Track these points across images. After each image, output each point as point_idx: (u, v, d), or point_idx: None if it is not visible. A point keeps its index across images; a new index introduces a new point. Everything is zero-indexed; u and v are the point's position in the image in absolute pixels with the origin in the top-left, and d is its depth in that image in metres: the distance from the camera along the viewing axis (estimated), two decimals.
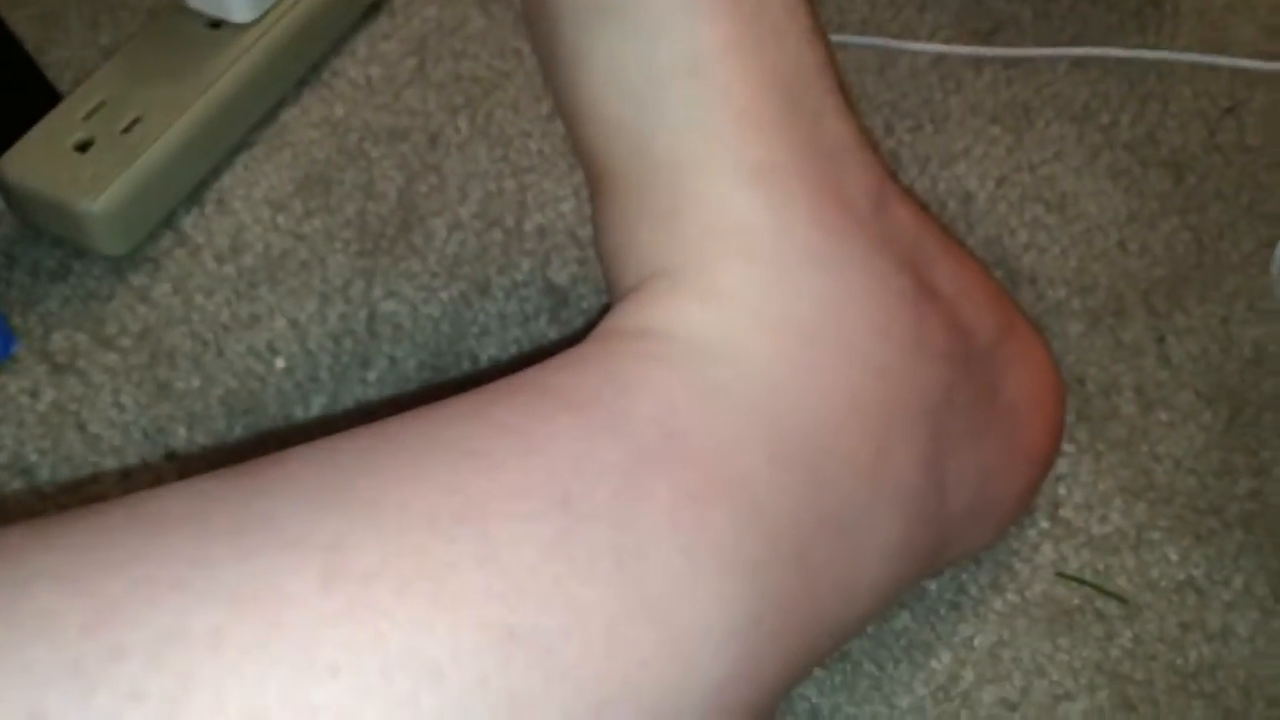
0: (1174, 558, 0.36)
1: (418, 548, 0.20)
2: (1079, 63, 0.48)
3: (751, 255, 0.26)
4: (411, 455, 0.22)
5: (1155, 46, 0.49)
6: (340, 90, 0.46)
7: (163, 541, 0.20)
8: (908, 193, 0.37)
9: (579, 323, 0.40)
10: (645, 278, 0.27)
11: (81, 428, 0.37)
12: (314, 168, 0.43)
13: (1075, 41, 0.49)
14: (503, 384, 0.25)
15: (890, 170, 0.31)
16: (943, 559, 0.32)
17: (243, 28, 0.43)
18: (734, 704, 0.23)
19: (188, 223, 0.42)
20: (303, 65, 0.46)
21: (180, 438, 0.37)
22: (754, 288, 0.26)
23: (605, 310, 0.28)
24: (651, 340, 0.26)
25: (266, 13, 0.44)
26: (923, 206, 0.43)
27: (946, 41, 0.48)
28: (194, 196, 0.42)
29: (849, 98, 0.30)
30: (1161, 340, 0.41)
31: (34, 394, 0.37)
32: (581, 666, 0.21)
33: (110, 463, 0.36)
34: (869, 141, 0.30)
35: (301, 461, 0.22)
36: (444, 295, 0.40)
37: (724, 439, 0.24)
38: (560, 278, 0.41)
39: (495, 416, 0.23)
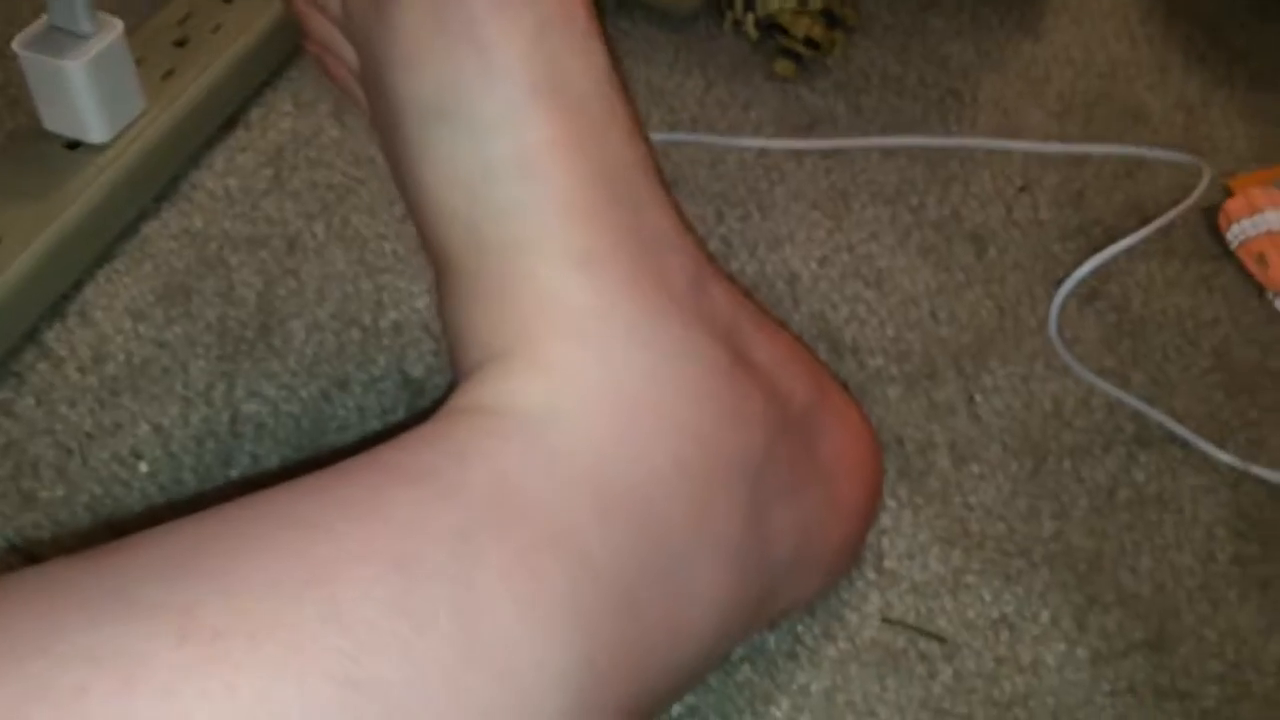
0: (988, 598, 0.39)
1: (266, 609, 0.22)
2: (889, 151, 0.53)
3: (577, 334, 0.29)
4: (258, 530, 0.24)
5: (956, 134, 0.54)
6: (199, 202, 0.48)
7: (22, 615, 0.22)
8: (729, 276, 0.41)
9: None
10: (484, 358, 0.30)
11: None
12: (174, 277, 0.45)
13: (885, 132, 0.54)
14: (346, 464, 0.27)
15: (709, 255, 0.35)
16: (773, 608, 0.34)
17: (99, 148, 0.45)
18: None
19: (50, 336, 0.43)
20: (160, 181, 0.48)
21: (46, 546, 0.38)
22: (580, 363, 0.29)
23: None
24: (488, 415, 0.28)
25: (122, 133, 0.46)
26: (747, 291, 0.47)
27: (769, 136, 0.53)
28: (56, 310, 0.44)
29: (668, 190, 0.33)
30: (971, 400, 0.45)
31: None
32: (423, 713, 0.23)
33: None
34: (688, 229, 0.33)
35: (151, 541, 0.24)
36: (304, 393, 0.42)
37: (554, 499, 0.27)
38: (416, 370, 0.43)
39: (338, 493, 0.26)
